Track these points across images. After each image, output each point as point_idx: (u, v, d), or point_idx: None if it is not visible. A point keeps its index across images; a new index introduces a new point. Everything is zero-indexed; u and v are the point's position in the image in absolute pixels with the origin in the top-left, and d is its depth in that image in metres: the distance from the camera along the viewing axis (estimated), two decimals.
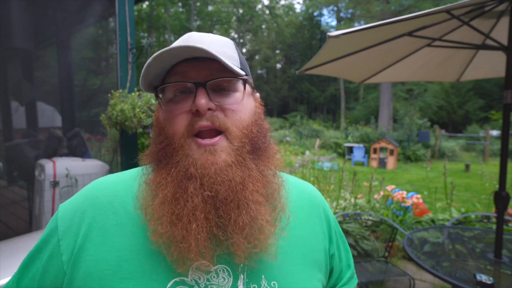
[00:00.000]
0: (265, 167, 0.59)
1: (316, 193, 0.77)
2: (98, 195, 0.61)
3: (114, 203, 0.60)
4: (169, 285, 0.53)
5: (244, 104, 0.59)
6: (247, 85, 0.61)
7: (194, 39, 0.60)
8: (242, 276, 0.57)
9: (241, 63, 0.62)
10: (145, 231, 0.57)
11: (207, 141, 0.54)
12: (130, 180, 0.64)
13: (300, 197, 0.71)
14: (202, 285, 0.54)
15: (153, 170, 0.59)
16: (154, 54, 0.53)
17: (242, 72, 0.58)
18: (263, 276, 0.58)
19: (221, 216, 0.53)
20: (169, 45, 0.63)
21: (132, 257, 0.55)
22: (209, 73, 0.56)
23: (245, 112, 0.59)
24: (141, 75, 0.56)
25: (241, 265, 0.57)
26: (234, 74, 0.57)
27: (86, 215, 0.58)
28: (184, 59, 0.57)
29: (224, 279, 0.56)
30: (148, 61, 0.53)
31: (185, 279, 0.54)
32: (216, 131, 0.55)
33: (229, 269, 0.56)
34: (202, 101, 0.53)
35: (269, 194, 0.58)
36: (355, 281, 0.81)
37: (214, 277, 0.56)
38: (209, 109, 0.55)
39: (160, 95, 0.61)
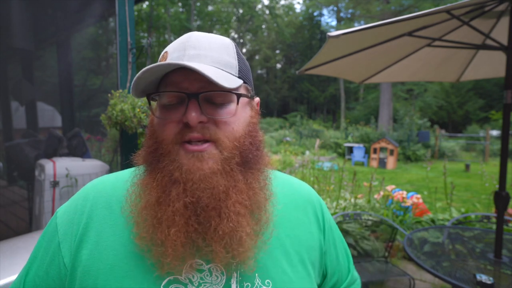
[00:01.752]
0: (253, 179, 0.58)
1: (311, 192, 0.78)
2: (96, 196, 0.62)
3: (112, 203, 0.60)
4: (163, 283, 0.54)
5: (238, 115, 0.58)
6: (241, 97, 0.59)
7: (191, 43, 0.58)
8: (235, 274, 0.57)
9: (240, 70, 0.61)
10: None
11: (195, 146, 0.54)
12: (128, 179, 0.64)
13: (294, 195, 0.71)
14: (195, 283, 0.55)
15: (143, 172, 0.60)
16: (145, 68, 0.53)
17: (236, 84, 0.56)
18: (256, 274, 0.58)
19: (201, 223, 0.53)
20: (169, 45, 0.63)
21: (127, 256, 0.55)
22: (202, 85, 0.55)
23: (239, 124, 0.58)
24: (132, 85, 0.55)
25: (235, 263, 0.57)
26: (227, 87, 0.55)
27: (84, 216, 0.59)
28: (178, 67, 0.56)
29: (217, 277, 0.56)
30: (138, 74, 0.53)
31: (179, 277, 0.55)
32: (205, 140, 0.55)
33: (222, 268, 0.57)
34: (193, 114, 0.53)
35: (254, 206, 0.57)
36: (358, 286, 0.81)
37: (207, 275, 0.56)
38: (200, 121, 0.54)
39: (153, 101, 0.61)
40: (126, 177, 0.65)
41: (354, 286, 0.81)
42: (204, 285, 0.55)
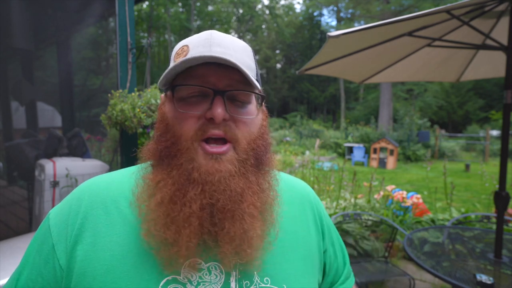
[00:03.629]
0: (263, 181, 0.60)
1: (309, 190, 0.78)
2: (91, 196, 0.60)
3: (107, 203, 0.59)
4: (161, 284, 0.53)
5: (255, 117, 0.60)
6: (259, 100, 0.63)
7: (216, 40, 0.57)
8: (234, 273, 0.57)
9: (257, 73, 0.62)
10: (137, 230, 0.57)
11: (215, 148, 0.54)
12: (123, 180, 0.64)
13: (292, 194, 0.72)
14: (194, 282, 0.55)
15: (152, 167, 0.59)
16: (186, 58, 0.53)
17: (260, 87, 0.59)
18: (255, 272, 0.58)
19: (215, 224, 0.54)
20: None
21: (124, 257, 0.54)
22: (229, 83, 0.56)
23: (255, 126, 0.59)
24: (164, 76, 0.56)
25: (233, 261, 0.57)
26: (253, 88, 0.58)
27: (78, 216, 0.58)
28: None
29: (216, 276, 0.56)
30: (175, 64, 0.54)
31: (178, 277, 0.54)
32: (224, 140, 0.55)
33: (221, 266, 0.56)
34: (219, 110, 0.53)
35: (263, 207, 0.58)
36: (352, 281, 0.81)
37: (206, 274, 0.56)
38: (223, 119, 0.55)
39: (170, 92, 0.59)
40: (120, 177, 0.65)
41: (350, 279, 0.82)
42: (203, 284, 0.55)
